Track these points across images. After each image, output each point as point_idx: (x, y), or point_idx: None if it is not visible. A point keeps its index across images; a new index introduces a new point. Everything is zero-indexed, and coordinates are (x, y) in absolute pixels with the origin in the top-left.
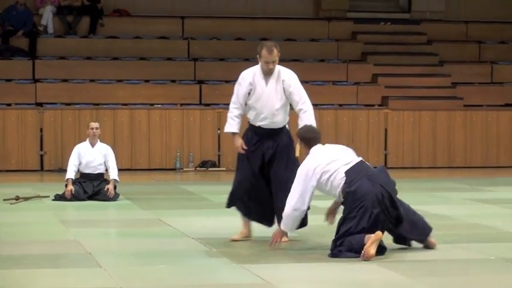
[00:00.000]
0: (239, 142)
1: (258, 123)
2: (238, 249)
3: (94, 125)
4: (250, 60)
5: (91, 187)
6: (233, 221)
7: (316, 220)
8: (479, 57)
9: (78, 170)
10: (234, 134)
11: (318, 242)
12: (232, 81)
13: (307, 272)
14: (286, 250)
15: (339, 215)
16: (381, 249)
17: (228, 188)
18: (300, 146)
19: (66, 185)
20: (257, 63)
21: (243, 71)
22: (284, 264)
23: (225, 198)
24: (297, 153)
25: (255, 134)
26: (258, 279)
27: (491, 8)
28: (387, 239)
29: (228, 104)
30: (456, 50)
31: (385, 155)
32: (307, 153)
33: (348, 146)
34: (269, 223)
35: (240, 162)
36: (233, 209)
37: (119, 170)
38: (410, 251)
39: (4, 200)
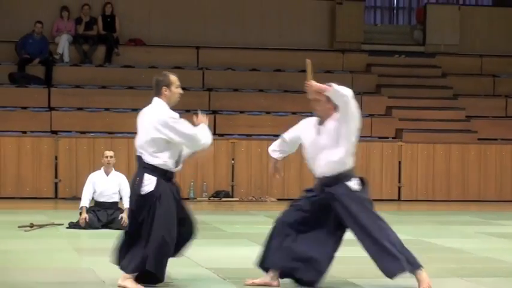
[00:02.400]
0: None
1: None
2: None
3: (109, 153)
4: (264, 91)
5: (105, 216)
6: (245, 251)
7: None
8: (494, 91)
9: (93, 198)
10: None
11: (329, 274)
12: (246, 111)
13: None
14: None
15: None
16: None
17: (240, 218)
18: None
19: (80, 213)
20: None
21: (256, 101)
22: None
23: (237, 228)
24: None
25: None
26: None
27: (506, 41)
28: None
29: (242, 135)
30: (470, 84)
31: (399, 188)
32: None
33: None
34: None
35: None
36: None
37: None
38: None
39: (19, 227)
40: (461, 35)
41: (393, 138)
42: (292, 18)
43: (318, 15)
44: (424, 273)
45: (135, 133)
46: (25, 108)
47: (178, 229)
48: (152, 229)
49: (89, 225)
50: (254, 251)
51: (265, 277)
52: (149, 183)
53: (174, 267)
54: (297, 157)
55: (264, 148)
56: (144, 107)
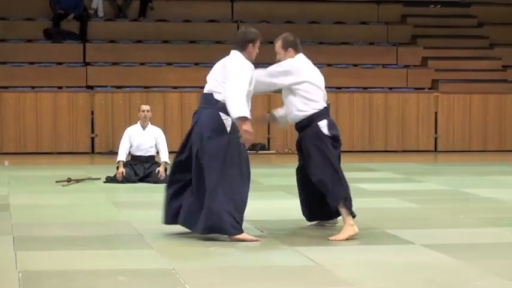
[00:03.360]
0: None
1: None
2: (290, 231)
3: (145, 107)
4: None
5: (142, 169)
6: (283, 204)
7: (364, 203)
8: None
9: (129, 153)
10: None
11: (367, 225)
12: None
13: (357, 254)
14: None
15: None
16: None
17: (277, 171)
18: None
19: (117, 167)
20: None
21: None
22: (335, 247)
23: (275, 180)
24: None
25: None
26: (309, 262)
27: None
28: None
29: None
30: (507, 33)
31: (435, 139)
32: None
33: (398, 129)
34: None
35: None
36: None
37: (169, 152)
38: (456, 234)
39: (56, 182)
40: None
41: (429, 89)
42: None
43: None
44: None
45: (170, 87)
46: (60, 63)
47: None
48: None
49: (126, 179)
50: (292, 204)
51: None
52: None
53: None
54: (332, 109)
55: None
56: (178, 60)
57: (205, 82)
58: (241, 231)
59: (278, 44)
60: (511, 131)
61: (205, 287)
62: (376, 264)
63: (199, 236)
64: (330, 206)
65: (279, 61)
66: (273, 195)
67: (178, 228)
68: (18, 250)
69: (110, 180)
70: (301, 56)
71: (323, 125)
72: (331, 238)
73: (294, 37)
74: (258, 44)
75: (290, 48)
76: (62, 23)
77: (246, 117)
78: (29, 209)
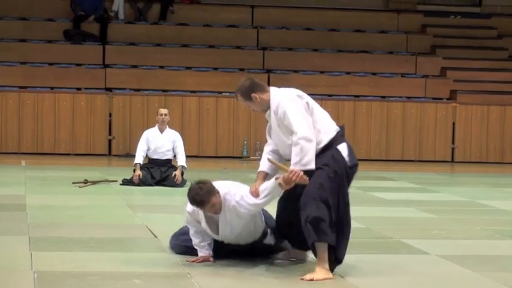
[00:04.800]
0: None
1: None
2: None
3: (163, 111)
4: (319, 51)
5: (159, 173)
6: None
7: (380, 212)
8: None
9: (147, 156)
10: None
11: (383, 234)
12: (300, 71)
13: (373, 263)
14: (355, 238)
15: None
16: None
17: None
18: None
19: (134, 170)
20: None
21: (310, 61)
22: (349, 256)
23: None
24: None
25: None
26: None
27: None
28: None
29: None
30: None
31: (453, 149)
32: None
33: (415, 139)
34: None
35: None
36: None
37: (186, 156)
38: (472, 245)
39: (73, 183)
40: None
41: (447, 99)
42: None
43: None
44: None
45: (189, 91)
46: (80, 65)
47: None
48: None
49: (142, 182)
50: None
51: None
52: None
53: None
54: (350, 118)
55: None
56: (197, 65)
57: (226, 89)
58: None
59: (240, 100)
60: None
61: None
62: (391, 274)
63: None
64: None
65: (254, 110)
66: None
67: None
68: (34, 250)
69: (127, 182)
70: (273, 88)
71: (343, 148)
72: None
73: (249, 80)
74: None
75: (253, 94)
76: (83, 24)
77: None
78: (45, 210)
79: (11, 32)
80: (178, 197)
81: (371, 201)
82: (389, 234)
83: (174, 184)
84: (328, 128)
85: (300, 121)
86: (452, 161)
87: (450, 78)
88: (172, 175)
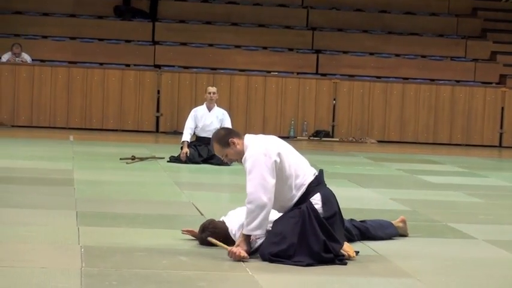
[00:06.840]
0: None
1: None
2: None
3: (212, 89)
4: (369, 32)
5: (206, 151)
6: (345, 192)
7: (428, 195)
8: None
9: (194, 134)
10: None
11: (431, 218)
12: (350, 52)
13: (419, 247)
14: None
15: None
16: None
17: (340, 159)
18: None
19: (181, 147)
20: None
21: (360, 42)
22: (397, 239)
23: (338, 168)
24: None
25: None
26: (371, 252)
27: None
28: None
29: (345, 75)
30: None
31: (501, 134)
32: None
33: (463, 123)
34: None
35: None
36: None
37: None
38: None
39: (120, 159)
40: None
41: (497, 83)
42: None
43: None
44: None
45: (238, 70)
46: (129, 41)
47: None
48: None
49: (189, 160)
50: (354, 192)
51: None
52: None
53: None
54: (398, 100)
55: (366, 89)
56: (246, 43)
57: (274, 68)
58: None
59: (217, 148)
60: None
61: (260, 268)
62: (438, 258)
63: None
64: None
65: (232, 160)
66: (335, 183)
67: None
68: (81, 225)
69: (174, 160)
70: (249, 136)
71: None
72: None
73: (224, 129)
74: None
75: (231, 139)
76: (133, 0)
77: None
78: (92, 185)
79: (62, 7)
80: (225, 175)
81: (418, 185)
82: (436, 218)
83: (221, 162)
84: (301, 182)
85: (254, 184)
86: (500, 145)
87: (500, 62)
88: None
